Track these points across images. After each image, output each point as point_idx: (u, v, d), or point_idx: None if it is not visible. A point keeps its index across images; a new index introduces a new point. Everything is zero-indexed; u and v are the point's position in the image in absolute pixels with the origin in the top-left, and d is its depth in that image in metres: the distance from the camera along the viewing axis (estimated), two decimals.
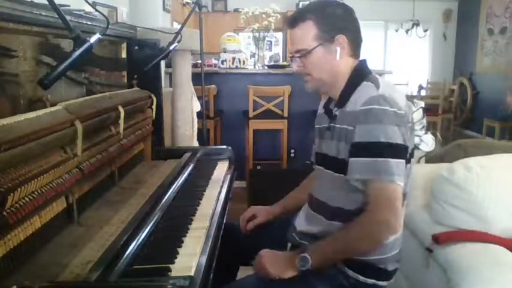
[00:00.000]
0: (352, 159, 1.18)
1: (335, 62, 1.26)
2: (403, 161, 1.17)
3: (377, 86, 1.22)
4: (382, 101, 1.16)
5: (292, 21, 1.28)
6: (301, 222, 1.37)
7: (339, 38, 1.24)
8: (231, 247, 1.37)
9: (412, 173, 1.30)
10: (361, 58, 1.32)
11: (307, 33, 1.25)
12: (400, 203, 1.16)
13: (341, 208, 1.25)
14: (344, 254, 1.22)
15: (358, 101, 1.20)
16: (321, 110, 1.40)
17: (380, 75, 1.32)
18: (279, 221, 1.52)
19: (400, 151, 1.16)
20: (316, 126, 1.41)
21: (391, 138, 1.14)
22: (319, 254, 1.19)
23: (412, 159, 1.27)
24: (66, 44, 1.20)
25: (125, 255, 0.95)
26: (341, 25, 1.25)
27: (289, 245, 1.39)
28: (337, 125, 1.26)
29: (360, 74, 1.27)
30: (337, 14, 1.26)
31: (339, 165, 1.24)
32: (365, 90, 1.22)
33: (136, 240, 1.02)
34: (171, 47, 1.77)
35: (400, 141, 1.15)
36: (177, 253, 1.03)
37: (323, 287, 1.21)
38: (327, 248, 1.21)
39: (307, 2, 8.20)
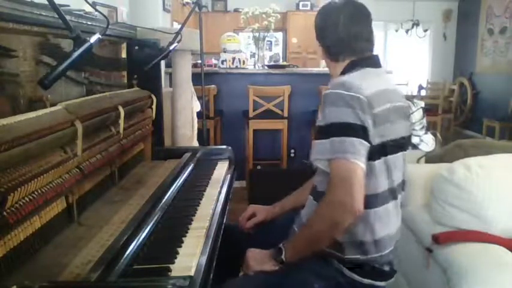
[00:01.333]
0: (313, 143, 1.24)
1: (325, 62, 1.42)
2: (361, 140, 1.15)
3: (345, 74, 1.28)
4: (339, 85, 1.20)
5: None
6: (303, 213, 1.37)
7: (318, 44, 1.40)
8: (232, 248, 1.37)
9: (403, 164, 1.32)
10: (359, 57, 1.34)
11: None
12: (358, 183, 1.13)
13: (322, 192, 1.25)
14: (313, 240, 1.23)
15: None
16: None
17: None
18: (278, 222, 1.53)
19: (355, 130, 1.15)
20: None
21: (343, 119, 1.16)
22: (292, 244, 1.25)
23: (402, 151, 1.29)
24: (66, 44, 1.20)
25: (125, 255, 0.95)
26: (318, 32, 1.39)
27: None
28: None
29: (345, 71, 1.32)
30: (318, 21, 1.39)
31: None
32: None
33: (136, 240, 1.02)
34: (171, 47, 1.77)
35: (353, 121, 1.16)
36: (177, 253, 1.03)
37: (319, 285, 1.22)
38: (297, 237, 1.28)
39: (307, 3, 8.13)
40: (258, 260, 1.28)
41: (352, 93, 1.17)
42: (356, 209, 1.13)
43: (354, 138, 1.15)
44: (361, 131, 1.16)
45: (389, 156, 1.23)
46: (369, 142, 1.17)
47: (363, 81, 1.22)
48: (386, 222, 1.26)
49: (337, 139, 1.16)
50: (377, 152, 1.20)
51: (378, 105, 1.20)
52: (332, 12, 1.34)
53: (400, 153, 1.28)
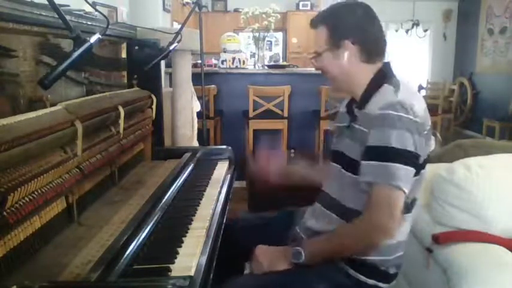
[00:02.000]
0: (363, 162, 1.19)
1: (344, 66, 1.27)
2: (412, 168, 1.17)
3: (396, 91, 1.22)
4: (399, 107, 1.16)
5: (312, 23, 1.33)
6: (310, 220, 1.37)
7: (346, 44, 1.25)
8: (232, 248, 1.37)
9: (425, 180, 1.30)
10: (387, 61, 1.33)
11: (320, 37, 1.29)
12: (400, 210, 1.16)
13: (354, 209, 1.25)
14: (339, 253, 1.24)
15: (376, 104, 1.21)
16: (343, 108, 1.41)
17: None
18: (276, 222, 1.53)
19: (410, 158, 1.16)
20: (336, 124, 1.42)
21: (403, 145, 1.14)
22: (314, 250, 1.23)
23: (426, 166, 1.27)
24: (66, 44, 1.20)
25: (125, 255, 0.95)
26: (349, 31, 1.26)
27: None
28: (356, 126, 1.27)
29: (381, 77, 1.27)
30: (348, 19, 1.27)
31: (348, 163, 1.25)
32: (384, 94, 1.22)
33: (136, 240, 1.02)
34: (171, 47, 1.77)
35: (411, 148, 1.15)
36: (177, 253, 1.03)
37: (324, 285, 1.22)
38: (322, 245, 1.24)
39: (307, 3, 8.09)
40: (269, 259, 1.26)
41: (411, 117, 1.15)
42: (394, 234, 1.17)
43: (409, 168, 1.15)
44: (416, 159, 1.17)
45: (422, 171, 1.24)
46: (416, 167, 1.18)
47: (412, 99, 1.20)
48: (405, 229, 1.28)
49: (394, 165, 1.14)
50: (419, 168, 1.21)
51: (427, 125, 1.22)
52: (366, 10, 1.28)
53: (428, 167, 1.28)
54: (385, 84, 1.24)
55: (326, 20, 1.29)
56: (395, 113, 1.15)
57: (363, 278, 1.24)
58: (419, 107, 1.20)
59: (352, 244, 1.22)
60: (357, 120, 1.28)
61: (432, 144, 1.28)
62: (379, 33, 1.29)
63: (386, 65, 1.32)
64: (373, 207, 1.16)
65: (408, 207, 1.26)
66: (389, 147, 1.14)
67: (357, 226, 1.19)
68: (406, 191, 1.16)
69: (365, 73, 1.28)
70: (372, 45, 1.28)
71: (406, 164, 1.15)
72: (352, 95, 1.35)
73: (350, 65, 1.27)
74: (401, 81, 1.27)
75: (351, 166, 1.25)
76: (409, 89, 1.27)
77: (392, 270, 1.28)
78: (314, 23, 1.32)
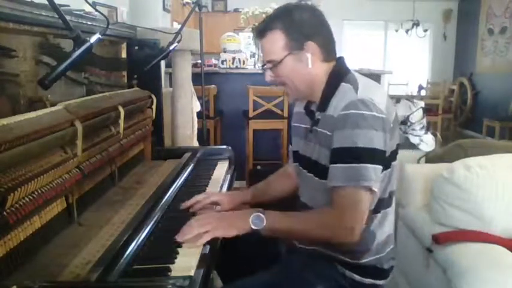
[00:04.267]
0: (332, 166, 1.15)
1: (307, 69, 1.22)
2: (380, 166, 1.14)
3: (356, 88, 1.18)
4: (361, 105, 1.13)
5: (260, 31, 1.25)
6: None
7: (309, 45, 1.21)
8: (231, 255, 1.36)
9: (398, 171, 1.29)
10: (339, 56, 1.29)
11: (276, 43, 1.22)
12: (366, 210, 1.13)
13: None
14: (300, 236, 1.22)
15: (338, 105, 1.17)
16: (300, 108, 1.37)
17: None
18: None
19: (378, 157, 1.14)
20: (295, 124, 1.39)
21: (369, 143, 1.12)
22: (276, 222, 1.15)
23: (396, 156, 1.25)
24: (66, 44, 1.20)
25: (125, 255, 0.95)
26: (310, 31, 1.21)
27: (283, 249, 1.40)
28: (319, 129, 1.23)
29: (338, 75, 1.24)
30: (304, 19, 1.21)
31: (322, 171, 1.21)
32: (344, 94, 1.19)
33: (136, 240, 1.02)
34: (171, 47, 1.77)
35: (378, 146, 1.13)
36: (177, 253, 1.03)
37: (320, 286, 1.22)
38: (285, 222, 1.18)
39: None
40: (218, 220, 1.14)
41: (374, 113, 1.13)
42: (359, 234, 1.12)
43: (377, 166, 1.13)
44: (383, 156, 1.15)
45: (392, 163, 1.23)
46: (384, 164, 1.17)
47: (371, 94, 1.17)
48: (389, 223, 1.28)
49: (362, 166, 1.11)
50: (387, 163, 1.19)
51: (391, 118, 1.19)
52: (316, 10, 1.24)
53: (398, 158, 1.27)
54: (343, 83, 1.21)
55: (279, 24, 1.21)
56: (357, 112, 1.12)
57: (358, 278, 1.24)
58: (381, 100, 1.17)
59: (314, 232, 1.17)
60: (318, 124, 1.24)
61: (397, 135, 1.24)
62: (331, 30, 1.26)
63: (340, 61, 1.28)
64: (342, 209, 1.13)
65: (388, 202, 1.25)
66: (356, 148, 1.11)
67: (324, 223, 1.16)
68: (376, 189, 1.13)
69: (323, 73, 1.24)
70: (329, 42, 1.25)
71: (373, 162, 1.12)
72: (311, 98, 1.31)
73: (313, 67, 1.22)
74: (357, 75, 1.25)
75: (318, 170, 1.23)
76: (367, 84, 1.23)
77: (386, 266, 1.27)
78: (262, 32, 1.23)
